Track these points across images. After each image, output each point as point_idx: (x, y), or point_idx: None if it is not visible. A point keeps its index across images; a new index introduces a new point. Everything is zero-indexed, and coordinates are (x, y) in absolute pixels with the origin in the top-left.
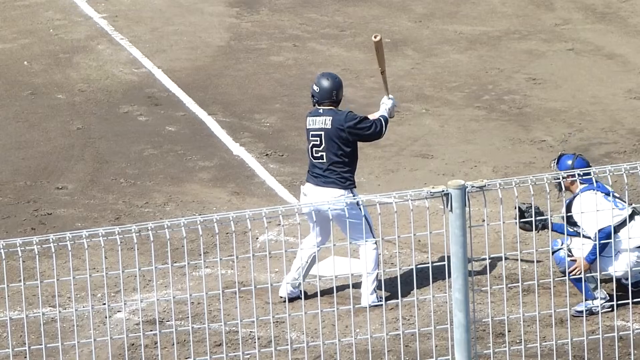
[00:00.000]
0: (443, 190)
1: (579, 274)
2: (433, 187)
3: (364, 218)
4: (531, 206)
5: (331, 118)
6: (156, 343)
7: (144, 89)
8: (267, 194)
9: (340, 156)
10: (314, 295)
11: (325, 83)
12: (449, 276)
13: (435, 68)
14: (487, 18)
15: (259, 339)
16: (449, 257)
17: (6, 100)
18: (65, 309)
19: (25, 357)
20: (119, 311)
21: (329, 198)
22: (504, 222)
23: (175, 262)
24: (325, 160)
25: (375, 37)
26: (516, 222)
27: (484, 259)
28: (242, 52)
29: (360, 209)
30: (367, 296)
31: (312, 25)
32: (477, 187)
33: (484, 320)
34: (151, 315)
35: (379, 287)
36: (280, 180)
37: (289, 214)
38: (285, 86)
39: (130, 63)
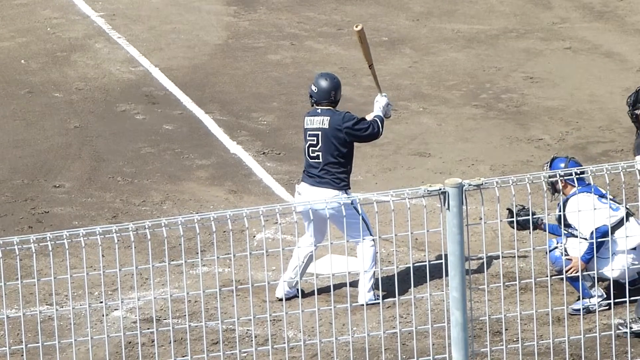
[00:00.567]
0: (440, 189)
1: (575, 274)
2: (430, 186)
3: (360, 217)
4: (523, 208)
5: (329, 118)
6: (153, 341)
7: (142, 88)
8: (264, 192)
9: (336, 157)
10: (311, 293)
11: (324, 83)
12: (446, 274)
13: (432, 66)
14: (485, 16)
15: (256, 337)
16: (446, 256)
17: (3, 99)
18: (62, 307)
19: (22, 356)
20: (116, 309)
21: (323, 198)
22: (501, 221)
23: (173, 261)
24: (320, 160)
25: (356, 27)
26: (512, 223)
27: (481, 258)
28: (239, 50)
29: (355, 208)
30: (365, 294)
31: (310, 23)
32: (474, 186)
33: (481, 318)
34: (148, 314)
35: (376, 286)
36: (278, 178)
37: (286, 212)
38: (282, 85)
39: (127, 61)
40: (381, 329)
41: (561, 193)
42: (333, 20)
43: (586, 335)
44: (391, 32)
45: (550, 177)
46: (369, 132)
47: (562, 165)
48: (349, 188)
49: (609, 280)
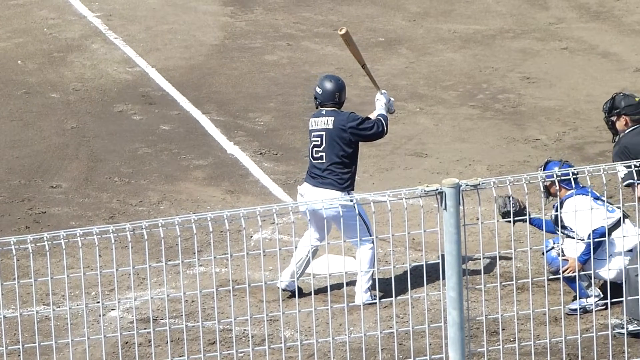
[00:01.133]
0: (437, 189)
1: (572, 274)
2: (427, 186)
3: (359, 217)
4: (509, 198)
5: (333, 119)
6: (150, 341)
7: (138, 88)
8: (261, 192)
9: (340, 157)
10: (308, 293)
11: (329, 85)
12: (443, 274)
13: (429, 67)
14: (482, 17)
15: (252, 337)
16: (443, 256)
17: (0, 99)
18: (59, 307)
19: (19, 356)
20: (112, 309)
21: (324, 199)
22: (498, 221)
23: (169, 261)
24: (324, 161)
25: (340, 30)
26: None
27: (478, 258)
28: (236, 51)
29: (354, 207)
30: (361, 294)
31: (306, 24)
32: (471, 186)
33: (478, 318)
34: (145, 314)
35: (373, 286)
36: (275, 178)
37: (283, 212)
38: (279, 85)
39: (124, 62)
40: (378, 329)
41: (558, 196)
42: (329, 20)
43: (583, 335)
44: (388, 33)
45: (543, 181)
46: (374, 131)
47: (556, 168)
48: (353, 189)
49: (605, 280)
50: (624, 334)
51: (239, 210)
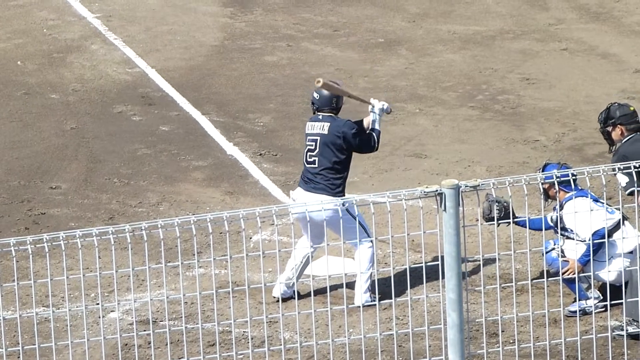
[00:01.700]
0: (437, 190)
1: (572, 275)
2: (427, 187)
3: (356, 219)
4: (495, 202)
5: (329, 124)
6: (149, 343)
7: (138, 89)
8: (260, 193)
9: (333, 163)
10: (308, 295)
11: (326, 91)
12: (443, 276)
13: (429, 68)
14: (481, 18)
15: (252, 339)
16: (442, 257)
17: (0, 100)
18: (58, 308)
19: (19, 357)
20: (112, 311)
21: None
22: (498, 223)
23: (169, 262)
24: (317, 166)
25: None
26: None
27: (478, 259)
28: (236, 51)
29: (349, 212)
30: (361, 296)
31: (306, 25)
32: (470, 187)
33: (477, 320)
34: (144, 315)
35: (372, 287)
36: (274, 179)
37: (283, 213)
38: (279, 86)
39: (124, 63)
40: (377, 331)
41: (557, 199)
42: (329, 21)
43: (583, 337)
44: (387, 34)
45: (542, 184)
46: (366, 143)
47: (555, 171)
48: (344, 194)
49: (604, 282)
50: (623, 335)
51: (239, 212)
